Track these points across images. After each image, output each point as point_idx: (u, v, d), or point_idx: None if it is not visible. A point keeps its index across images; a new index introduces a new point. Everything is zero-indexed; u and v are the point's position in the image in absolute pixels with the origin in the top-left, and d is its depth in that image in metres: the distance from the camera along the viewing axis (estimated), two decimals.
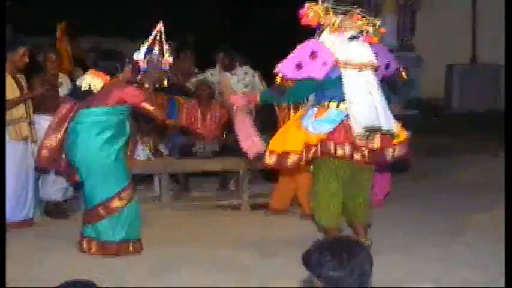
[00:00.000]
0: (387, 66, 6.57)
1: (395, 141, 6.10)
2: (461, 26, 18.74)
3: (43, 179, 8.16)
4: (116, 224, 6.68)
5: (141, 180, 9.02)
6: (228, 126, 8.81)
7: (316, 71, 6.05)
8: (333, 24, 6.06)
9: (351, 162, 6.13)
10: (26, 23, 22.09)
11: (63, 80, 8.37)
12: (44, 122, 7.98)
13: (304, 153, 6.10)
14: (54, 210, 8.26)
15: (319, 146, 6.08)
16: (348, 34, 6.07)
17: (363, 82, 5.96)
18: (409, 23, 18.98)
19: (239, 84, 9.52)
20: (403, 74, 6.75)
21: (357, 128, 5.88)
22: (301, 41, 6.17)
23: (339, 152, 6.04)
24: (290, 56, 6.16)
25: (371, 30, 6.15)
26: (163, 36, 6.87)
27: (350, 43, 6.04)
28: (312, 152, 6.09)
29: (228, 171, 9.18)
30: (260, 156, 6.49)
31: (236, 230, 7.64)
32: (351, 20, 6.10)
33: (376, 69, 6.14)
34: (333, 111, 6.07)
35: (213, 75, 10.05)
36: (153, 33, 6.88)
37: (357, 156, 6.05)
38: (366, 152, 6.04)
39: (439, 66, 17.02)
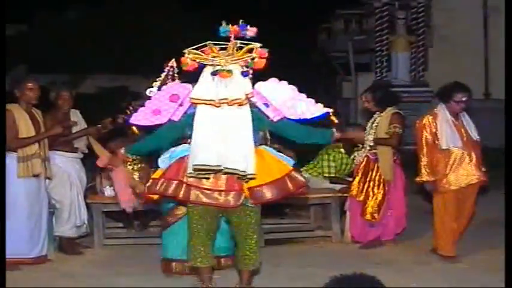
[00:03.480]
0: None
1: (253, 184, 5.63)
2: (474, 61, 18.78)
3: (57, 216, 8.13)
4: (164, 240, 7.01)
5: (155, 216, 8.99)
6: None
7: (174, 113, 5.87)
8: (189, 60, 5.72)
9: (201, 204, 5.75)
10: (41, 61, 22.25)
11: (75, 116, 8.34)
12: (57, 158, 7.98)
13: (146, 188, 5.92)
14: (68, 246, 8.20)
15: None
16: (210, 70, 5.69)
17: (214, 119, 5.58)
18: (422, 60, 19.02)
19: None
20: (334, 118, 6.22)
21: (189, 166, 5.57)
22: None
23: (161, 188, 5.72)
24: (147, 102, 6.00)
25: (222, 65, 5.63)
26: (175, 73, 6.87)
27: (208, 78, 5.67)
28: (158, 187, 5.76)
29: None
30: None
31: None
32: (213, 54, 5.70)
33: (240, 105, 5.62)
34: (181, 147, 5.84)
35: None
36: (166, 70, 6.88)
37: (188, 195, 5.67)
38: (198, 193, 5.64)
39: None
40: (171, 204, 6.84)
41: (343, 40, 22.79)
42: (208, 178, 5.62)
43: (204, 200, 5.68)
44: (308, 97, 6.14)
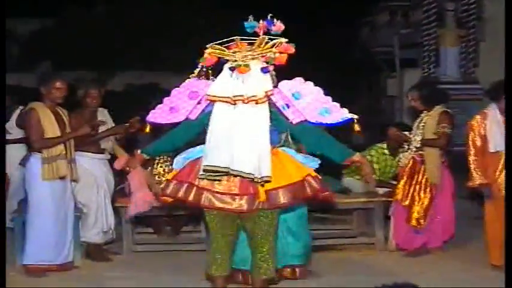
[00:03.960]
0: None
1: (269, 187, 5.53)
2: None
3: (83, 220, 8.19)
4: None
5: (187, 221, 9.06)
6: None
7: (191, 111, 5.87)
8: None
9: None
10: (66, 57, 22.46)
11: (103, 116, 8.38)
12: (83, 159, 8.03)
13: (161, 190, 5.94)
14: (95, 253, 8.28)
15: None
16: (229, 65, 5.68)
17: (228, 117, 5.55)
18: (473, 55, 18.86)
19: None
20: (356, 126, 5.93)
21: (202, 168, 5.55)
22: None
23: (171, 191, 5.72)
24: (165, 99, 6.02)
25: (239, 59, 5.61)
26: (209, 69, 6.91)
27: (226, 74, 5.66)
28: (169, 189, 5.77)
29: None
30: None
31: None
32: (239, 49, 5.69)
33: (256, 102, 5.54)
34: (198, 147, 5.83)
35: None
36: (199, 66, 6.92)
37: (199, 199, 5.63)
38: (211, 197, 5.59)
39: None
40: None
41: (387, 34, 22.72)
42: (219, 180, 5.58)
43: (217, 204, 5.62)
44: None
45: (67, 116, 7.75)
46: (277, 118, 5.72)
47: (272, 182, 5.53)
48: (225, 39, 5.73)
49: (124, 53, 24.02)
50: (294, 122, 5.77)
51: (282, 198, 5.60)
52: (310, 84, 5.88)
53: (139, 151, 6.22)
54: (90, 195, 8.17)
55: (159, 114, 6.00)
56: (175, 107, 5.95)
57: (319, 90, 5.87)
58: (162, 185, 6.00)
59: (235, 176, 5.48)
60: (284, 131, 5.86)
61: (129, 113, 8.49)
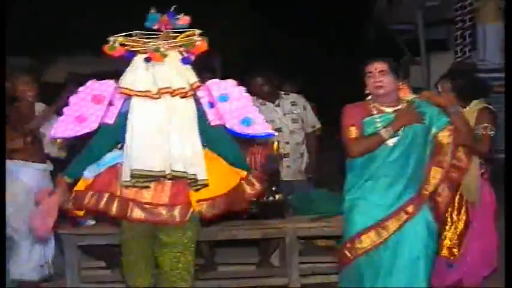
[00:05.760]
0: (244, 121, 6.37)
1: (206, 195, 6.00)
2: None
3: (14, 251, 8.12)
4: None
5: None
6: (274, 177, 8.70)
7: (106, 115, 6.12)
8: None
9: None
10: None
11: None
12: (20, 171, 8.00)
13: (71, 204, 6.18)
14: None
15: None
16: (142, 57, 6.06)
17: (153, 113, 5.92)
18: None
19: (286, 118, 9.54)
20: (275, 145, 6.93)
21: (125, 174, 5.87)
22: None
23: (91, 202, 6.01)
24: (66, 109, 6.25)
25: (161, 48, 6.03)
26: None
27: (139, 67, 6.03)
28: (86, 200, 6.06)
29: (270, 240, 9.08)
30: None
31: None
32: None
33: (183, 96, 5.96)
34: (111, 154, 6.16)
35: None
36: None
37: (123, 211, 5.97)
38: (137, 209, 5.96)
39: None
40: (353, 232, 6.78)
41: (410, 8, 22.74)
42: (148, 187, 5.90)
43: (144, 216, 5.96)
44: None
45: None
46: (201, 116, 6.12)
47: (208, 189, 5.95)
48: (124, 34, 6.09)
49: (67, 34, 23.99)
50: (211, 124, 6.17)
51: (220, 207, 6.09)
52: (242, 89, 6.37)
53: (60, 175, 6.39)
54: (25, 217, 7.98)
55: (64, 128, 6.22)
56: (80, 115, 6.17)
57: (247, 98, 6.39)
58: (72, 197, 6.19)
59: (176, 178, 5.82)
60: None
61: None
